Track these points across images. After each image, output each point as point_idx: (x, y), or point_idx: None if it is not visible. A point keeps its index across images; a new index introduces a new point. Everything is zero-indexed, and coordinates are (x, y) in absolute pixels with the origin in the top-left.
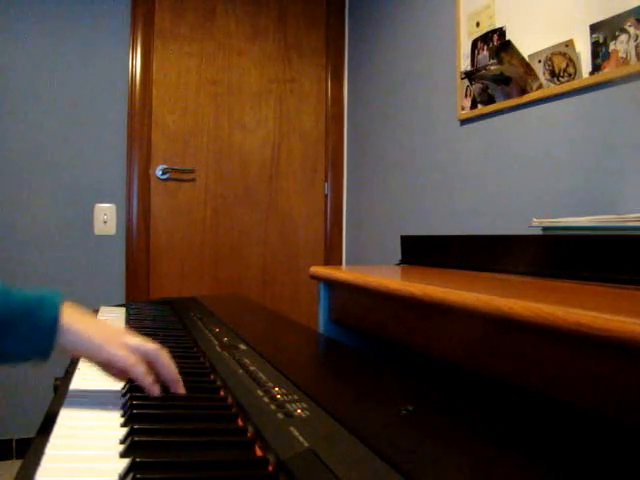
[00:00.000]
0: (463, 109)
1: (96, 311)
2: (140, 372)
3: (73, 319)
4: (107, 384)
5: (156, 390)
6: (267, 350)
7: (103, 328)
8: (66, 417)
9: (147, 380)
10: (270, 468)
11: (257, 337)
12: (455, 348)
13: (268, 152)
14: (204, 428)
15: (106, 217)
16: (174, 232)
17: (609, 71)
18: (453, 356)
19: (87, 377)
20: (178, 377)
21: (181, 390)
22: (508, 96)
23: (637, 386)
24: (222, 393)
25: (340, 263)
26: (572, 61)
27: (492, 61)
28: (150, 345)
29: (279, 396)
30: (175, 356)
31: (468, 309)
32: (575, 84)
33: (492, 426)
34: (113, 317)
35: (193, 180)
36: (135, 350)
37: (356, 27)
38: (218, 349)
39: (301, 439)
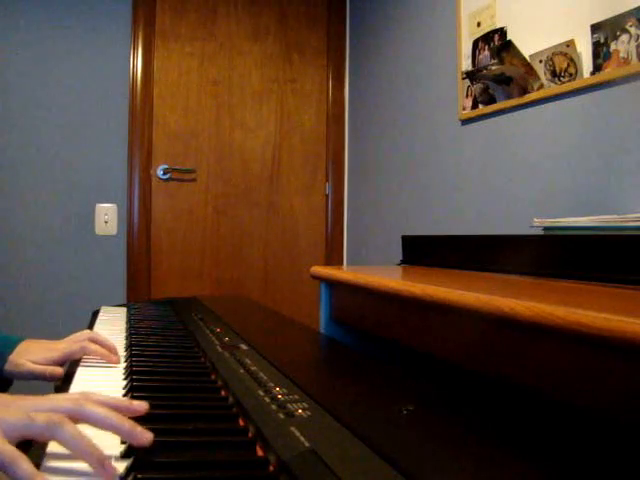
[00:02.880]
0: (464, 109)
1: (97, 311)
2: (20, 475)
3: None
4: (107, 384)
5: None
6: (268, 350)
7: None
8: None
9: None
10: (271, 468)
11: (258, 337)
12: (456, 348)
13: (269, 152)
14: (205, 428)
15: (107, 217)
16: (175, 232)
17: (610, 71)
18: (454, 356)
19: (87, 378)
20: (95, 456)
21: (106, 475)
22: (509, 96)
23: (637, 386)
24: (223, 393)
25: (341, 263)
26: (573, 61)
27: (493, 61)
28: (37, 420)
29: (280, 396)
30: (176, 356)
31: (469, 309)
32: (576, 84)
33: (492, 426)
34: (114, 317)
35: (194, 180)
36: (16, 432)
37: (357, 27)
38: (219, 349)
39: (302, 439)
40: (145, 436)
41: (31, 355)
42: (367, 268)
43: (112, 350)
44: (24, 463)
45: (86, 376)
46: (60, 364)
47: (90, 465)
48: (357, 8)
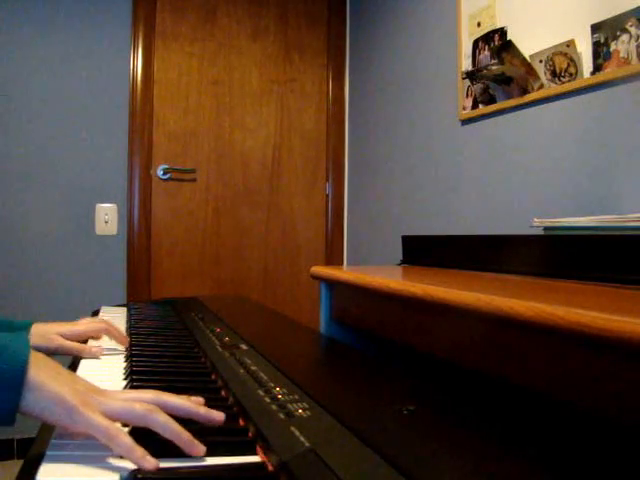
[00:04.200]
0: (464, 109)
1: (97, 311)
2: (123, 445)
3: (43, 374)
4: (107, 385)
5: (149, 464)
6: (268, 350)
7: (77, 385)
8: None
9: (134, 454)
10: (271, 468)
11: (258, 337)
12: (456, 348)
13: (269, 152)
14: (205, 428)
15: (107, 217)
16: (175, 232)
17: (610, 71)
18: (454, 356)
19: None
20: (185, 437)
21: (196, 450)
22: (509, 96)
23: (637, 386)
24: (223, 393)
25: (341, 263)
26: (573, 61)
27: (493, 61)
28: (137, 407)
29: (280, 396)
30: (176, 356)
31: (469, 309)
32: (576, 84)
33: (492, 426)
34: (114, 317)
35: (194, 180)
36: (117, 415)
37: (357, 27)
38: (219, 349)
39: (302, 439)
40: (220, 416)
41: (56, 328)
42: (367, 268)
43: (123, 336)
44: (125, 437)
45: (87, 375)
46: (83, 340)
47: (181, 445)
48: (357, 8)
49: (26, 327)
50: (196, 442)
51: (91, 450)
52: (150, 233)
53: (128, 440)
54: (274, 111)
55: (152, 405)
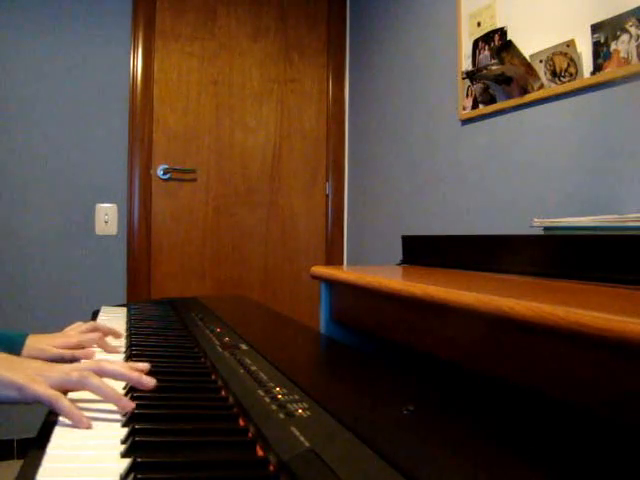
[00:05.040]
0: (464, 109)
1: (97, 311)
2: (63, 407)
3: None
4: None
5: (84, 422)
6: (268, 350)
7: (27, 369)
8: None
9: (74, 415)
10: (271, 468)
11: (258, 337)
12: (456, 348)
13: (269, 152)
14: (205, 428)
15: (107, 217)
16: (175, 232)
17: (610, 71)
18: (454, 356)
19: None
20: (117, 396)
21: (122, 405)
22: (509, 96)
23: (637, 386)
24: (223, 393)
25: (341, 263)
26: (573, 61)
27: (493, 61)
28: (72, 374)
29: (280, 396)
30: (176, 356)
31: (469, 309)
32: (576, 84)
33: (492, 426)
34: (114, 317)
35: (194, 180)
36: (58, 385)
37: (357, 27)
38: (219, 349)
39: (302, 439)
40: (150, 381)
41: (50, 341)
42: (367, 268)
43: (115, 334)
44: (65, 401)
45: None
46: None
47: (113, 403)
48: (357, 8)
49: (22, 337)
50: (124, 399)
51: (91, 450)
52: (150, 233)
53: (67, 403)
54: (274, 111)
55: (87, 371)
